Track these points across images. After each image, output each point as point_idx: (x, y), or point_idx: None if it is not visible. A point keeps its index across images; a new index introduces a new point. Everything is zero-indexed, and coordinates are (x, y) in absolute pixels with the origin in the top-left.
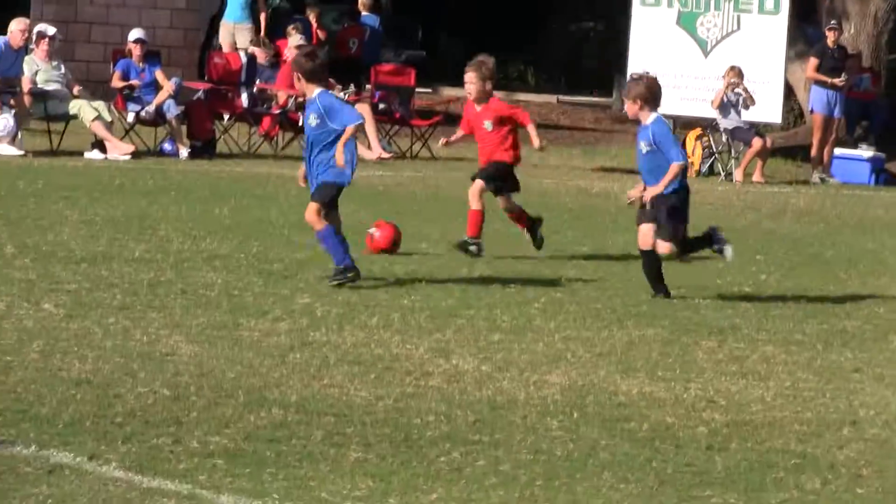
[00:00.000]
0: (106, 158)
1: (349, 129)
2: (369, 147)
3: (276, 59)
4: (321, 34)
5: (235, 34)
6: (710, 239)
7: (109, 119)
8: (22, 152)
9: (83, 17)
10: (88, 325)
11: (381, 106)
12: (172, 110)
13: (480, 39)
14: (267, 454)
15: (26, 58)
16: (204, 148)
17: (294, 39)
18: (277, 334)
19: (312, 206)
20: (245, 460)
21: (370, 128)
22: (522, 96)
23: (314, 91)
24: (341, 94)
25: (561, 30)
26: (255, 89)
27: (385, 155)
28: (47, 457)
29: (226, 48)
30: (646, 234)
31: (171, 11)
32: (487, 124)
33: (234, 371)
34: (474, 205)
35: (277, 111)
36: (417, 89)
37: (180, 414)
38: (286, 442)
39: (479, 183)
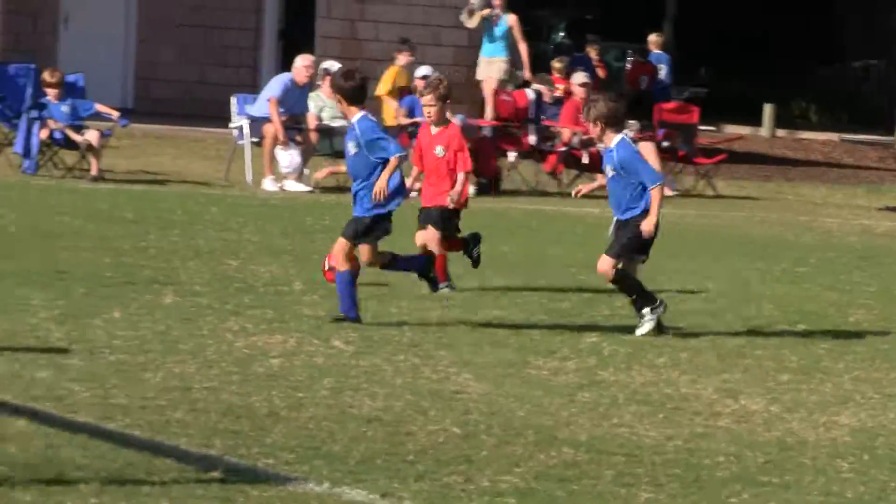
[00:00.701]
0: None
1: (393, 161)
2: None
3: (562, 97)
4: (601, 72)
5: (490, 69)
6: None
7: None
8: (309, 188)
9: (368, 53)
10: (378, 362)
11: (665, 144)
12: None
13: (762, 77)
14: (558, 494)
15: (311, 94)
16: (489, 184)
17: (578, 77)
18: (566, 373)
19: (340, 241)
20: (536, 500)
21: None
22: (805, 134)
23: (355, 115)
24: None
25: (842, 67)
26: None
27: (668, 192)
28: (340, 494)
29: (491, 84)
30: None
31: (454, 49)
32: (439, 149)
33: (523, 410)
34: (436, 250)
35: (562, 148)
36: (700, 127)
37: (471, 452)
38: (577, 482)
39: (433, 232)
